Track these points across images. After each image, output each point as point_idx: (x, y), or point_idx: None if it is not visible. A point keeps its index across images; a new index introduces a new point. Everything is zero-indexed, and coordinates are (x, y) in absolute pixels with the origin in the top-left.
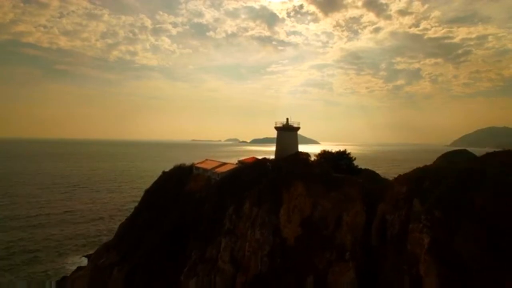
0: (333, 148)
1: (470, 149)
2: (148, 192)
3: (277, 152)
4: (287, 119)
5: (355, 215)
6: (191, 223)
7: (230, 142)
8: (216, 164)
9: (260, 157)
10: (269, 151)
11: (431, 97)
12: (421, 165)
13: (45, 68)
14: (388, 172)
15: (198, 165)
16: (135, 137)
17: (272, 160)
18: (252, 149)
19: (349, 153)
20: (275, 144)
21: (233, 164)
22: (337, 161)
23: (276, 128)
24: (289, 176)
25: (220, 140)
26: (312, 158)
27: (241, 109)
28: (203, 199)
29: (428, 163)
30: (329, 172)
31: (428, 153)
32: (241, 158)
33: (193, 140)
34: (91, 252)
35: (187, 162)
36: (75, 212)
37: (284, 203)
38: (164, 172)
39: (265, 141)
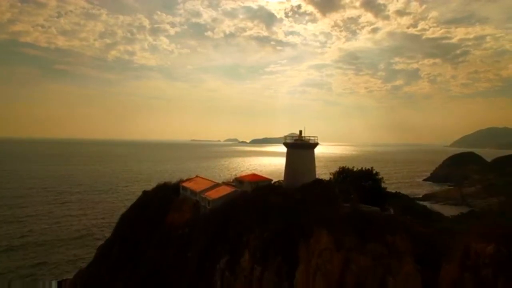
0: (333, 148)
1: (470, 149)
2: (124, 219)
3: (287, 177)
4: (301, 131)
5: (405, 278)
6: (171, 273)
7: (230, 142)
8: (206, 184)
9: (259, 174)
10: (269, 152)
11: (430, 97)
12: (424, 167)
13: (45, 68)
14: (390, 173)
15: (186, 185)
16: (134, 137)
17: (279, 185)
18: (252, 149)
19: (376, 173)
20: (274, 145)
21: (228, 186)
22: (360, 182)
23: (286, 144)
24: (308, 220)
25: (219, 140)
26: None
27: (241, 109)
28: (187, 239)
29: (431, 164)
30: (361, 209)
31: (428, 153)
32: (238, 175)
33: (193, 140)
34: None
35: (183, 168)
36: (59, 225)
37: (302, 261)
38: (144, 193)
39: (264, 141)
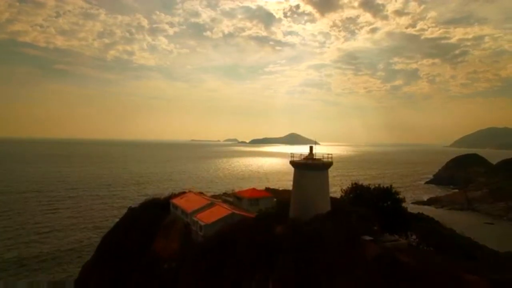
0: (332, 148)
1: (470, 149)
2: (106, 243)
3: (295, 205)
4: (311, 148)
5: None
6: None
7: (229, 142)
8: (199, 203)
9: (259, 188)
10: (268, 152)
11: (430, 98)
12: (425, 168)
13: (45, 67)
14: (391, 175)
15: (177, 202)
16: (134, 137)
17: (286, 203)
18: (251, 150)
19: (395, 192)
20: (274, 145)
21: (223, 206)
22: (378, 202)
23: (294, 163)
24: (325, 266)
25: (219, 140)
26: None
27: (240, 109)
28: (174, 277)
29: (433, 165)
30: (390, 251)
31: (429, 154)
32: (236, 191)
33: (192, 140)
34: None
35: (181, 169)
36: (45, 237)
37: None
38: (130, 211)
39: (264, 141)
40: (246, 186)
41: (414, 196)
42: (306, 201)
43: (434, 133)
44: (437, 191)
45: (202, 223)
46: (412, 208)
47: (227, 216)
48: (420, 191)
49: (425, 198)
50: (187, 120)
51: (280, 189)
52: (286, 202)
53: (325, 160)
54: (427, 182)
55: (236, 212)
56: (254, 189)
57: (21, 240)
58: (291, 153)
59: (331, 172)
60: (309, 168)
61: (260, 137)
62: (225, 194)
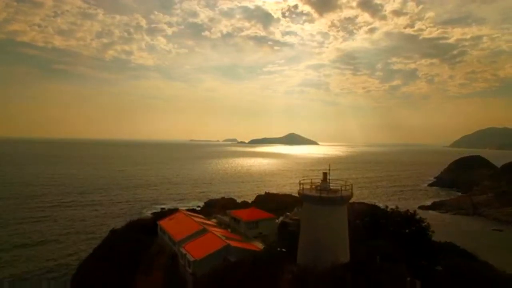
0: (332, 148)
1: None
2: (82, 273)
3: (304, 248)
4: (325, 174)
5: None
6: None
7: (229, 143)
8: (189, 228)
9: (258, 210)
10: (268, 153)
11: (428, 98)
12: (427, 169)
13: (44, 67)
14: (392, 177)
15: (165, 226)
16: (133, 137)
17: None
18: (251, 150)
19: (420, 218)
20: (273, 145)
21: (217, 236)
22: (399, 228)
23: (303, 196)
24: None
25: (218, 140)
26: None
27: (240, 109)
28: None
29: (434, 166)
30: None
31: (429, 154)
32: (233, 212)
33: (191, 140)
34: None
35: (178, 173)
36: (24, 252)
37: None
38: (112, 233)
39: (263, 141)
40: (245, 189)
41: (418, 201)
42: (318, 245)
43: (433, 133)
44: (441, 195)
45: (191, 259)
46: (421, 212)
47: (221, 249)
48: (423, 194)
49: (429, 202)
50: (186, 120)
51: (280, 193)
52: (293, 229)
53: (343, 192)
54: (429, 185)
55: (232, 244)
56: (253, 209)
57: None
58: (300, 182)
59: (331, 172)
60: (324, 203)
61: (260, 137)
62: (216, 218)
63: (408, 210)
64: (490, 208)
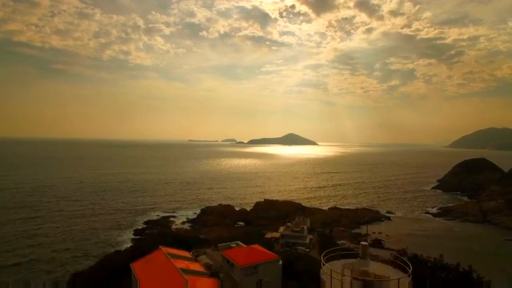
0: (331, 148)
1: (470, 150)
2: None
3: None
4: (363, 245)
5: None
6: None
7: (227, 143)
8: (172, 277)
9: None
10: (268, 154)
11: (427, 98)
12: (428, 170)
13: (42, 67)
14: (393, 178)
15: (138, 274)
16: (132, 137)
17: None
18: (250, 150)
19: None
20: (272, 145)
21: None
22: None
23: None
24: None
25: (217, 141)
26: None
27: (238, 109)
28: None
29: (436, 167)
30: None
31: (430, 154)
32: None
33: (190, 140)
34: None
35: (175, 177)
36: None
37: None
38: (75, 277)
39: (262, 141)
40: (244, 194)
41: (423, 206)
42: None
43: (431, 133)
44: (446, 199)
45: None
46: (427, 220)
47: None
48: (428, 199)
49: (435, 208)
50: (185, 120)
51: (280, 200)
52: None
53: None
54: (433, 188)
55: None
56: (250, 248)
57: None
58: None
59: (332, 174)
60: None
61: (258, 137)
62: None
63: (459, 263)
64: (500, 215)
